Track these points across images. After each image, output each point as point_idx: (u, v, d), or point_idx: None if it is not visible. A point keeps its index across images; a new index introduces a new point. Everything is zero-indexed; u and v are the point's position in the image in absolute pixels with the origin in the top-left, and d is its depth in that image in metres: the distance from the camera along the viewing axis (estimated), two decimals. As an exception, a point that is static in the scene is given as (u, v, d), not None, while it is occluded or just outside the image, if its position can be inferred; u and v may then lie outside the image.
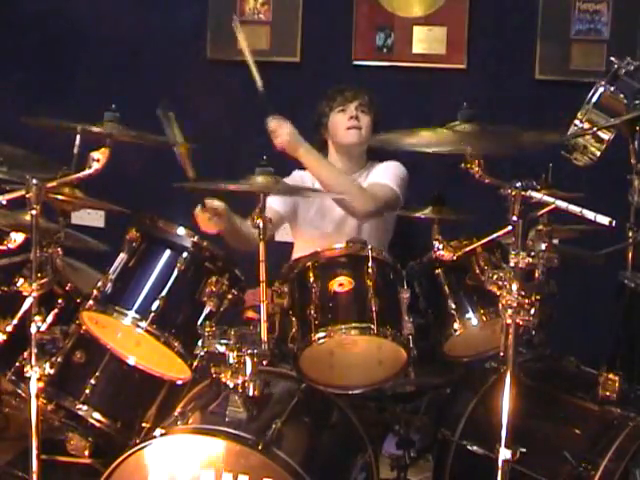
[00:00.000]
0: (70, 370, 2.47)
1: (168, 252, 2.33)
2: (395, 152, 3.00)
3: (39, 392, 2.11)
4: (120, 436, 2.48)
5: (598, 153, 2.53)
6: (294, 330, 2.31)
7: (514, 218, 1.98)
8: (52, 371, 2.13)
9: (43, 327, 2.13)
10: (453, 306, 2.43)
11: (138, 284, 2.31)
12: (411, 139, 2.37)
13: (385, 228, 3.09)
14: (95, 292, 2.32)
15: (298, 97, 3.07)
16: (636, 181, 2.47)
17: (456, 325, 2.42)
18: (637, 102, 2.46)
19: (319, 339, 2.24)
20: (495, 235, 2.22)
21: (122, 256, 2.36)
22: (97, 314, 2.33)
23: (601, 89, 2.51)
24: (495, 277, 2.04)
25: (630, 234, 2.55)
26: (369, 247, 2.36)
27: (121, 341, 2.39)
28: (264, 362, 2.18)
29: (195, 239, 2.33)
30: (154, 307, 2.25)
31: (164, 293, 2.27)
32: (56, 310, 2.52)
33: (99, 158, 2.12)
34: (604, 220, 1.87)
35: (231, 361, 2.16)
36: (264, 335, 2.17)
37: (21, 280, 2.15)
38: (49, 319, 2.42)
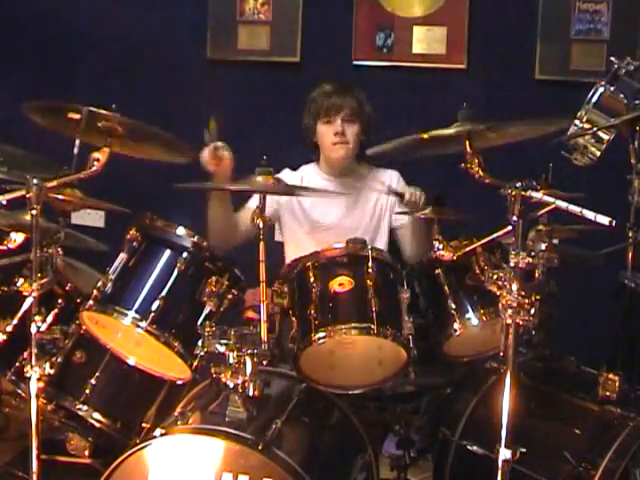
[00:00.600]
0: (70, 370, 2.47)
1: (168, 252, 2.33)
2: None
3: (39, 392, 2.11)
4: (120, 436, 2.47)
5: (598, 153, 2.54)
6: (294, 330, 2.31)
7: (514, 218, 1.98)
8: (52, 371, 2.13)
9: (43, 327, 2.13)
10: (453, 306, 2.43)
11: (138, 284, 2.31)
12: (410, 146, 2.38)
13: (385, 230, 3.07)
14: (95, 292, 2.32)
15: (298, 97, 3.07)
16: (636, 181, 2.48)
17: (456, 325, 2.41)
18: (637, 102, 2.46)
19: (319, 339, 2.24)
20: (495, 235, 2.22)
21: (122, 256, 2.36)
22: (97, 314, 2.33)
23: (601, 89, 2.51)
24: (495, 277, 2.05)
25: (630, 234, 2.55)
26: (369, 247, 2.36)
27: (121, 341, 2.39)
28: (264, 362, 2.18)
29: (195, 239, 2.33)
30: (154, 307, 2.25)
31: (164, 293, 2.27)
32: (56, 310, 2.51)
33: (99, 158, 2.12)
34: (604, 220, 1.87)
35: (231, 361, 2.16)
36: (264, 335, 2.17)
37: (21, 280, 2.16)
38: (49, 319, 2.41)
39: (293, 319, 2.33)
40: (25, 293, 2.09)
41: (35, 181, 2.04)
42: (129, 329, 2.28)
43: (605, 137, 2.52)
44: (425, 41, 3.74)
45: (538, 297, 2.02)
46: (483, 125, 2.27)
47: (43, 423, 2.17)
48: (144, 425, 2.48)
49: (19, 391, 2.55)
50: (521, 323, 1.98)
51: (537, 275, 2.32)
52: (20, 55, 4.14)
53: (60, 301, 2.54)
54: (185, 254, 2.31)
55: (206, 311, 2.30)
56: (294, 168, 3.06)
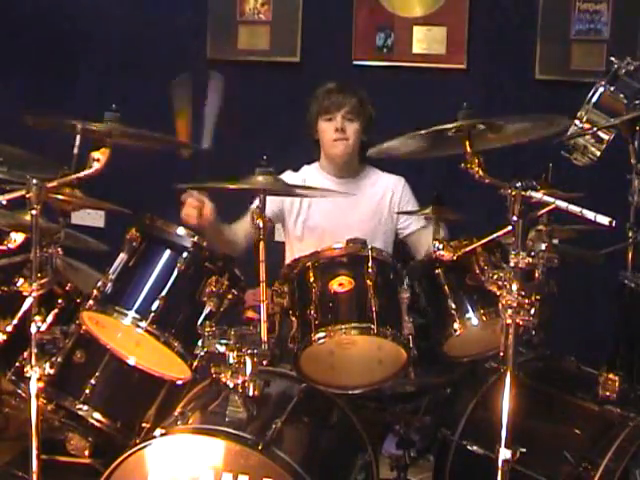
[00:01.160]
0: (70, 370, 2.47)
1: (168, 252, 2.33)
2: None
3: (39, 392, 2.11)
4: (120, 436, 2.48)
5: (598, 153, 2.54)
6: (294, 330, 2.31)
7: (514, 218, 1.98)
8: (52, 371, 2.12)
9: (43, 327, 2.12)
10: (453, 306, 2.43)
11: (138, 284, 2.31)
12: (410, 146, 2.37)
13: (385, 230, 3.08)
14: (95, 292, 2.31)
15: (298, 97, 3.07)
16: (636, 181, 2.48)
17: (456, 325, 2.41)
18: (637, 102, 2.46)
19: (319, 339, 2.24)
20: (495, 235, 2.22)
21: (122, 256, 2.36)
22: (97, 314, 2.33)
23: (601, 89, 2.52)
24: (495, 277, 2.04)
25: (630, 234, 2.55)
26: (369, 247, 2.36)
27: (121, 341, 2.39)
28: (264, 362, 2.18)
29: (195, 239, 2.33)
30: (154, 307, 2.25)
31: (164, 293, 2.27)
32: (56, 310, 2.52)
33: (99, 158, 2.12)
34: (604, 220, 1.87)
35: (231, 361, 2.16)
36: (264, 335, 2.17)
37: (21, 280, 2.15)
38: (49, 319, 2.40)
39: (293, 319, 2.33)
40: (25, 293, 2.09)
41: (35, 181, 2.04)
42: (129, 329, 2.28)
43: (605, 137, 2.52)
44: (425, 41, 3.74)
45: (538, 297, 2.01)
46: (483, 125, 2.26)
47: (43, 423, 2.16)
48: (144, 425, 2.48)
49: (19, 391, 2.55)
50: (521, 323, 1.98)
51: (537, 275, 2.32)
52: (20, 55, 4.14)
53: (60, 301, 2.55)
54: (185, 254, 2.31)
55: (206, 311, 2.30)
56: (295, 169, 3.06)
